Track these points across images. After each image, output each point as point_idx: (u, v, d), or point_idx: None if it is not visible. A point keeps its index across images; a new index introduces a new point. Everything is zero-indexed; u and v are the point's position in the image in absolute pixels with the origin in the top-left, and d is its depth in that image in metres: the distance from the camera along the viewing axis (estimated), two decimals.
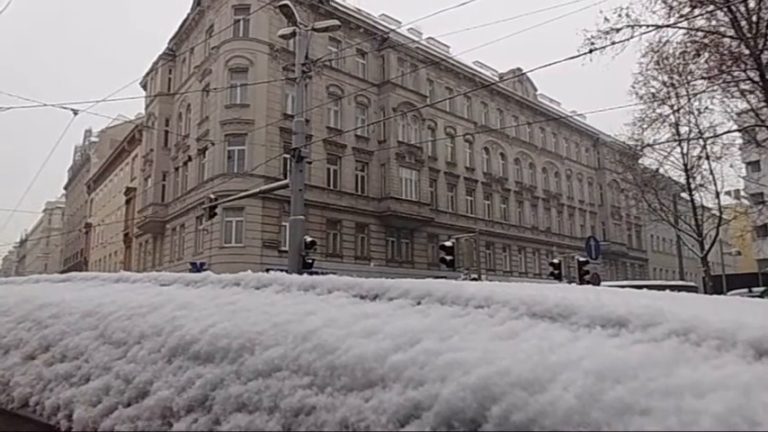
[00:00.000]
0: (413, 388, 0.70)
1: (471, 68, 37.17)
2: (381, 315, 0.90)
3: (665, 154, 23.14)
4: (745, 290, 16.28)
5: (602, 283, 19.05)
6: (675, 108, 20.57)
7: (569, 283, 18.78)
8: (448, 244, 18.80)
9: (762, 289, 18.35)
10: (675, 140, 22.04)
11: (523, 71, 36.30)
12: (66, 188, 70.27)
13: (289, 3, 14.90)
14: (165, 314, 1.13)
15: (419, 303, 0.94)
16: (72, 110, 16.85)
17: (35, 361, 1.25)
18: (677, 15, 16.05)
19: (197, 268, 25.24)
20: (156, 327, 1.09)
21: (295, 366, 0.83)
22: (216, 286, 1.31)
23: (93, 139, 58.72)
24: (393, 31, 31.32)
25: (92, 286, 1.62)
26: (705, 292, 22.76)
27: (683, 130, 21.77)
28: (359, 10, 31.64)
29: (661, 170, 24.40)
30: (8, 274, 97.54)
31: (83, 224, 53.37)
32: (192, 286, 1.36)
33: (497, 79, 38.17)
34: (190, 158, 28.96)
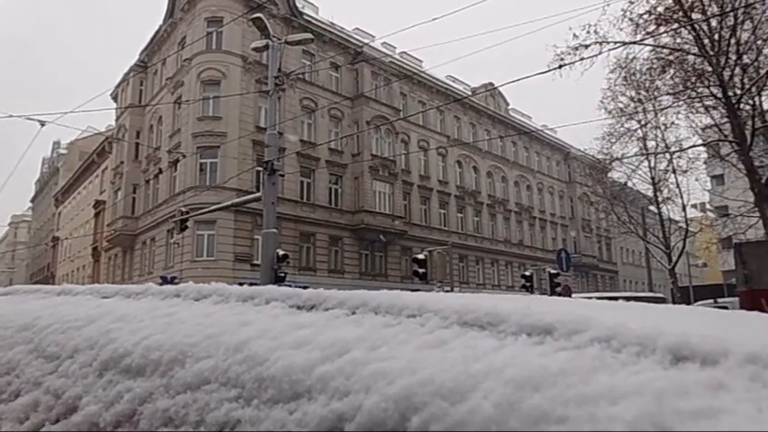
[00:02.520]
0: (338, 399, 0.69)
1: (444, 83, 37.54)
2: (315, 325, 0.89)
3: (634, 168, 23.64)
4: (711, 300, 16.58)
5: (574, 295, 19.29)
6: (643, 123, 21.04)
7: (540, 295, 18.99)
8: (421, 257, 18.81)
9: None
10: (643, 154, 22.52)
11: (495, 86, 36.71)
12: (32, 201, 68.69)
13: (262, 16, 14.89)
14: (101, 327, 1.10)
15: (354, 313, 0.93)
16: (39, 121, 16.49)
17: None
18: (643, 32, 16.43)
19: (168, 282, 24.87)
20: (90, 340, 1.06)
21: (224, 379, 0.81)
22: (156, 298, 1.28)
23: (61, 150, 57.57)
24: (367, 45, 31.49)
25: (33, 299, 1.58)
26: (674, 303, 23.20)
27: (651, 144, 22.27)
28: (332, 24, 31.77)
29: (629, 183, 24.88)
30: None
31: (50, 238, 52.17)
32: (133, 298, 1.33)
33: (470, 93, 38.61)
34: (161, 171, 28.58)
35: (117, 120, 35.87)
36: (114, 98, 35.99)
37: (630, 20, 16.34)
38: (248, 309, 1.05)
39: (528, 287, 20.13)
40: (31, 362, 1.11)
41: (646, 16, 16.19)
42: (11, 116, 17.10)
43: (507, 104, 43.92)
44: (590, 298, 16.29)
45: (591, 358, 0.65)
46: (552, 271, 19.54)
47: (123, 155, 32.87)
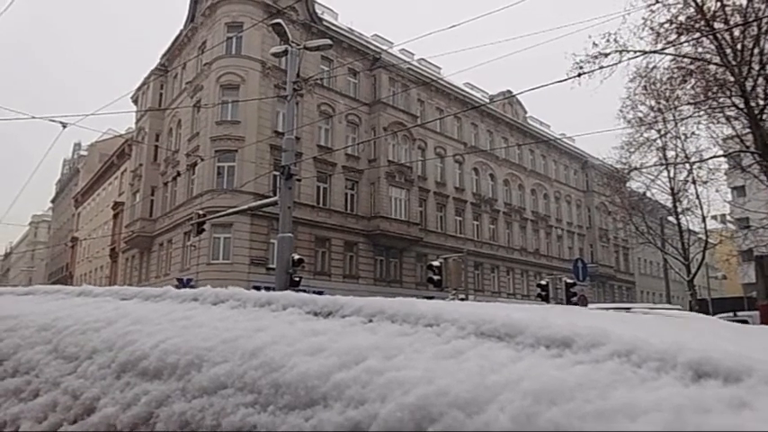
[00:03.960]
0: (353, 407, 0.69)
1: (462, 90, 37.51)
2: (331, 332, 0.89)
3: (653, 178, 23.40)
4: (731, 313, 16.29)
5: (590, 305, 19.10)
6: (662, 132, 20.84)
7: (556, 304, 18.84)
8: (436, 264, 18.77)
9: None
10: (662, 164, 22.29)
11: (513, 93, 36.56)
12: (53, 201, 69.71)
13: (281, 21, 15.01)
14: (120, 329, 1.11)
15: (370, 321, 0.93)
16: (61, 123, 16.68)
17: None
18: (664, 42, 16.30)
19: (184, 284, 25.05)
20: (108, 342, 1.07)
21: (240, 384, 0.82)
22: (174, 301, 1.29)
23: (82, 152, 58.42)
24: (385, 51, 31.61)
25: (53, 300, 1.60)
26: None
27: (670, 154, 22.03)
28: (351, 30, 31.92)
29: (648, 194, 24.64)
30: None
31: (69, 238, 52.85)
32: (151, 301, 1.34)
33: (487, 101, 38.53)
34: (179, 174, 28.86)
35: (137, 122, 36.31)
36: (135, 101, 36.46)
37: (651, 29, 16.24)
38: (265, 314, 1.06)
39: (543, 296, 19.97)
40: (50, 362, 1.13)
41: (667, 25, 16.07)
42: (33, 117, 17.43)
43: (525, 112, 43.76)
44: (606, 309, 16.13)
45: (609, 372, 0.64)
46: (568, 280, 19.41)
47: (142, 157, 33.25)
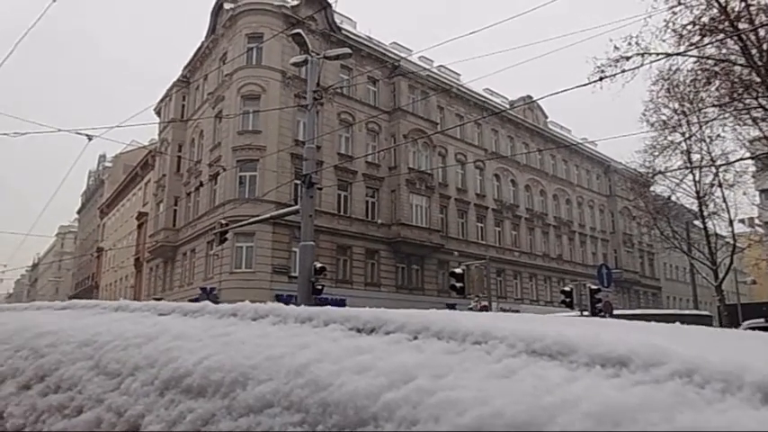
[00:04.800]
0: (405, 428, 0.68)
1: (482, 96, 37.42)
2: (376, 350, 0.88)
3: (677, 181, 23.03)
4: (761, 320, 15.88)
5: (615, 312, 18.83)
6: (687, 135, 20.53)
7: (581, 311, 18.61)
8: (458, 271, 18.70)
9: None
10: (687, 168, 21.94)
11: (534, 98, 36.41)
12: (79, 212, 70.93)
13: (301, 31, 15.14)
14: (160, 345, 1.11)
15: (416, 338, 0.92)
16: (87, 135, 17.00)
17: (30, 391, 1.24)
18: (687, 44, 16.08)
19: (207, 293, 25.28)
20: (150, 358, 1.07)
21: (287, 402, 0.81)
22: (213, 317, 1.29)
23: (106, 163, 59.38)
24: (404, 59, 31.68)
25: (91, 315, 1.61)
26: (720, 322, 22.39)
27: (695, 157, 21.68)
28: (370, 38, 32.07)
29: (673, 197, 24.25)
30: (20, 298, 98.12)
31: (95, 248, 53.70)
32: (190, 316, 1.35)
33: (508, 106, 38.36)
34: (201, 184, 29.18)
35: (160, 134, 36.84)
36: (158, 113, 36.97)
37: (673, 31, 16.04)
38: (307, 330, 1.05)
39: (568, 303, 19.76)
40: (92, 378, 1.13)
41: (690, 27, 15.86)
42: (60, 130, 17.68)
43: (546, 117, 43.48)
44: (633, 316, 15.88)
45: (672, 394, 0.62)
46: (593, 286, 19.16)
47: (166, 168, 33.70)
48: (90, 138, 17.23)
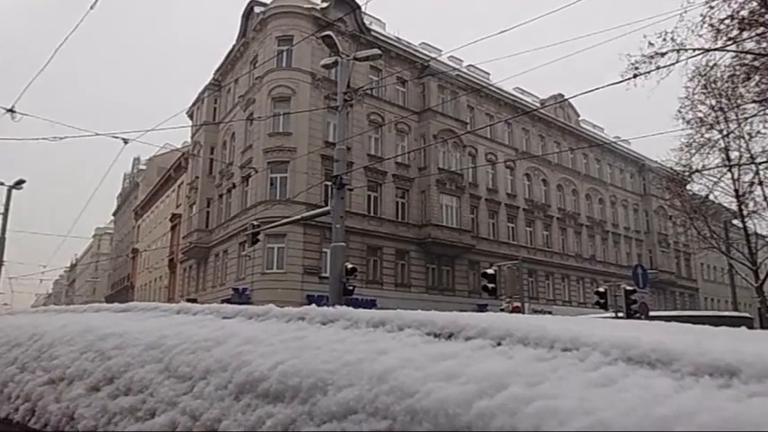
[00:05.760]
0: None
1: (512, 95, 37.08)
2: (460, 356, 0.86)
3: (715, 180, 22.38)
4: None
5: (651, 313, 18.45)
6: (725, 133, 19.96)
7: (615, 313, 18.28)
8: (490, 271, 18.55)
9: None
10: (725, 166, 21.31)
11: (565, 97, 35.89)
12: (114, 214, 72.50)
13: (332, 33, 15.20)
14: (231, 349, 1.11)
15: (499, 344, 0.90)
16: (123, 139, 17.32)
17: (99, 393, 1.25)
18: (725, 38, 15.64)
19: (239, 293, 25.59)
20: (221, 362, 1.07)
21: (371, 409, 0.80)
22: (280, 320, 1.28)
23: (141, 166, 60.58)
24: (433, 59, 31.58)
25: (153, 317, 1.63)
26: (761, 324, 21.75)
27: (734, 155, 21.04)
28: (399, 39, 32.05)
29: (711, 196, 23.60)
30: (59, 298, 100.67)
31: (130, 249, 54.83)
32: (255, 320, 1.35)
33: (538, 105, 37.93)
34: (233, 185, 29.53)
35: (192, 137, 37.42)
36: (190, 116, 37.58)
37: (711, 26, 15.60)
38: (382, 335, 1.04)
39: (602, 304, 19.45)
40: (163, 381, 1.14)
41: (728, 21, 15.42)
42: (97, 134, 18.13)
43: (578, 116, 42.87)
44: (670, 317, 15.52)
45: None
46: (628, 287, 18.84)
47: (198, 170, 34.20)
48: (126, 141, 17.55)
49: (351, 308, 1.25)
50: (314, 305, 1.38)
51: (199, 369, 1.10)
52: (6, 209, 24.32)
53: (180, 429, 0.99)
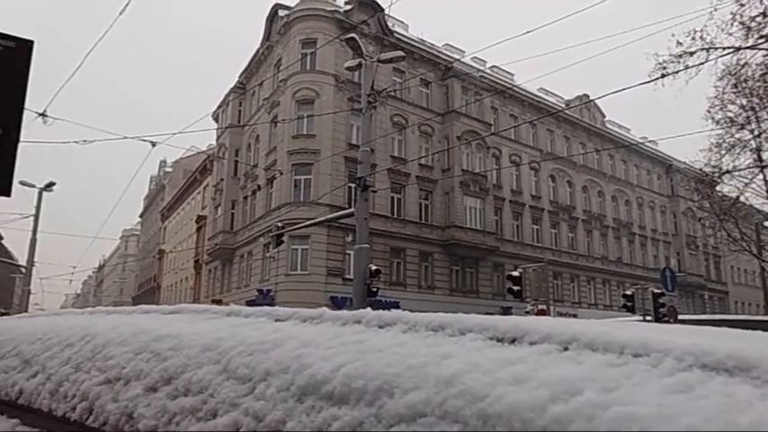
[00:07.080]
0: None
1: (536, 96, 36.80)
2: (527, 361, 0.86)
3: (746, 181, 21.93)
4: None
5: (680, 317, 18.14)
6: (756, 133, 19.55)
7: (643, 316, 18.00)
8: (515, 274, 18.42)
9: None
10: (757, 167, 20.87)
11: (590, 98, 35.52)
12: (141, 216, 73.64)
13: (355, 36, 15.27)
14: (289, 351, 1.12)
15: (566, 349, 0.90)
16: (150, 142, 17.59)
17: (157, 393, 1.27)
18: (756, 36, 15.33)
19: (264, 295, 25.79)
20: (281, 364, 1.09)
21: (441, 412, 0.80)
22: (335, 323, 1.30)
23: (167, 169, 61.46)
24: (457, 60, 31.49)
25: (204, 319, 1.66)
26: None
27: (766, 155, 20.62)
28: (422, 41, 32.04)
29: (742, 198, 23.12)
30: (87, 298, 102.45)
31: (156, 250, 55.64)
32: (309, 323, 1.36)
33: (563, 106, 37.58)
34: (258, 187, 29.80)
35: (218, 139, 37.86)
36: (215, 119, 38.05)
37: (741, 23, 15.32)
38: (443, 339, 1.04)
39: (629, 307, 19.17)
40: (222, 382, 1.16)
41: (759, 18, 15.12)
42: (125, 138, 18.42)
43: (603, 116, 42.36)
44: (701, 321, 15.22)
45: None
46: (656, 290, 18.55)
47: (223, 172, 34.59)
48: (153, 144, 17.82)
49: (407, 312, 1.26)
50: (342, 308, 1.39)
51: (258, 371, 1.12)
52: (37, 210, 24.89)
53: (244, 430, 1.01)
